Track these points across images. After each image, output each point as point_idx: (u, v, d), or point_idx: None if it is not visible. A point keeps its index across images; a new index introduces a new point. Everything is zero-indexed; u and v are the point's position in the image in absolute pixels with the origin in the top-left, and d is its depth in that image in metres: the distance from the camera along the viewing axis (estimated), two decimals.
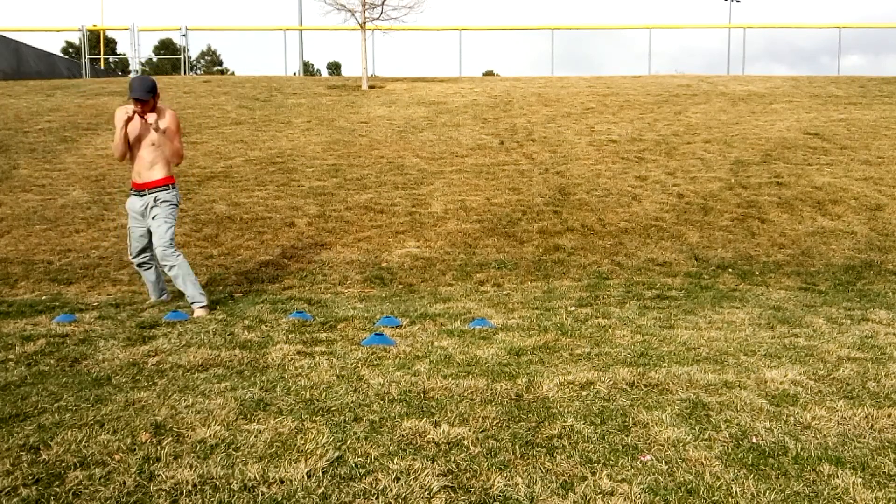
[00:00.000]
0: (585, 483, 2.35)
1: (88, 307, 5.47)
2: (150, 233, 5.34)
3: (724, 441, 2.71)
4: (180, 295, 5.50)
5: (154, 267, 5.53)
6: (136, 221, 5.37)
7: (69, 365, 3.81)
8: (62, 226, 7.76)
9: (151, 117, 5.13)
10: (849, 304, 5.61)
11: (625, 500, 2.24)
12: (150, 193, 5.24)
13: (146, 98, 5.09)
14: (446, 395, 3.23)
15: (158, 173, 5.25)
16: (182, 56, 24.01)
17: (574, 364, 3.78)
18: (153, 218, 5.26)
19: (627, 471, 2.45)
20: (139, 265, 5.50)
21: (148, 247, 5.41)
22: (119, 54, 37.77)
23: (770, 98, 14.63)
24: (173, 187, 5.35)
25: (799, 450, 2.62)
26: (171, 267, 5.22)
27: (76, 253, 7.07)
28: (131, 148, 5.28)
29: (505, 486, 2.33)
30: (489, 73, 39.70)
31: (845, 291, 6.26)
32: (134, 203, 5.34)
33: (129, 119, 5.14)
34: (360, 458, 2.51)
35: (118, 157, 5.35)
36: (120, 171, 9.66)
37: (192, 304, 5.23)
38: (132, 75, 23.21)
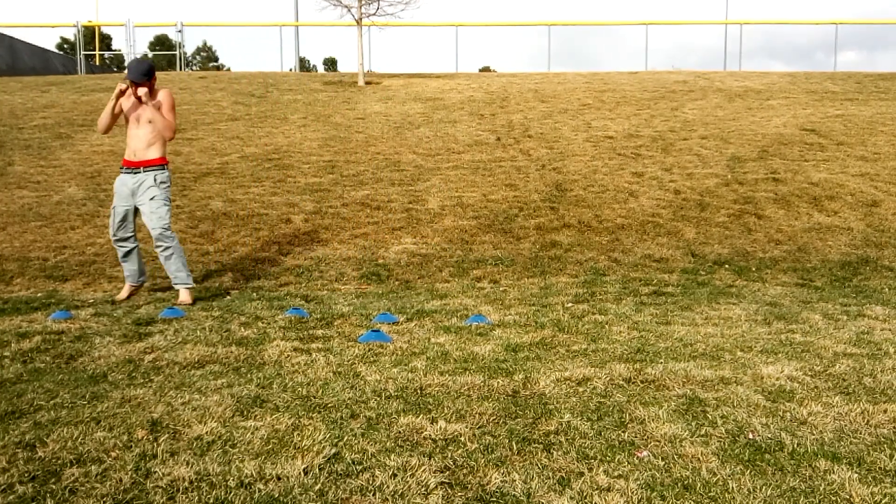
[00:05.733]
0: (582, 479, 2.36)
1: (84, 304, 5.45)
2: (135, 213, 5.34)
3: (720, 437, 2.72)
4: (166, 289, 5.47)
5: (135, 249, 5.50)
6: (123, 199, 5.35)
7: (65, 362, 3.80)
8: (57, 222, 7.74)
9: (142, 91, 5.18)
10: (845, 300, 5.62)
11: (621, 495, 2.24)
12: (145, 172, 5.23)
13: (141, 80, 5.14)
14: (443, 391, 3.23)
15: (155, 152, 5.26)
16: (178, 52, 23.93)
17: (571, 360, 3.78)
18: (151, 199, 5.22)
19: (624, 467, 2.46)
20: (120, 244, 5.45)
21: (128, 224, 5.39)
22: (114, 50, 37.68)
23: (766, 94, 14.64)
24: (167, 169, 5.39)
25: (795, 445, 2.63)
26: (167, 248, 5.23)
27: (72, 250, 7.05)
28: (128, 125, 5.33)
29: (502, 482, 2.33)
30: (486, 69, 39.65)
31: (841, 287, 6.27)
32: (125, 181, 5.32)
33: (122, 91, 5.18)
34: (356, 455, 2.51)
35: (102, 128, 5.35)
36: (115, 167, 9.62)
37: (178, 285, 5.27)
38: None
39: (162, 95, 5.33)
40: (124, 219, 5.39)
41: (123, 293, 5.59)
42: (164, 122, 5.28)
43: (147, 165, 5.23)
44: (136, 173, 5.25)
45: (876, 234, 7.73)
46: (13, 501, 2.20)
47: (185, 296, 5.21)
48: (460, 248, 7.29)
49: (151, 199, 5.20)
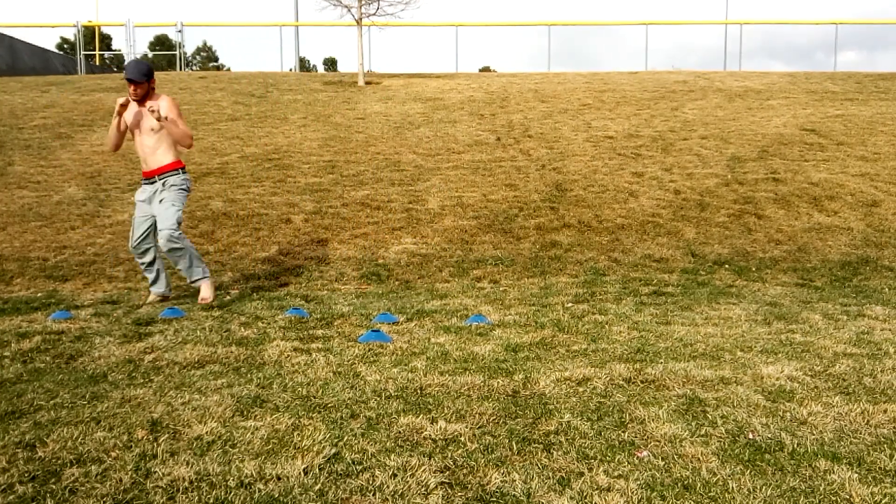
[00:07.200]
0: (582, 479, 2.36)
1: (84, 304, 5.45)
2: (153, 220, 5.17)
3: (720, 437, 2.72)
4: (188, 295, 5.45)
5: (155, 258, 5.35)
6: (141, 210, 5.25)
7: (65, 362, 3.80)
8: (57, 222, 7.74)
9: (151, 104, 5.02)
10: (845, 300, 5.62)
11: (621, 496, 2.24)
12: (159, 179, 5.10)
13: (140, 80, 4.98)
14: (443, 391, 3.23)
15: (165, 158, 5.11)
16: (178, 52, 23.93)
17: (571, 360, 3.78)
18: (160, 202, 5.07)
19: (624, 467, 2.46)
20: (140, 255, 5.32)
21: (150, 235, 5.24)
22: (114, 50, 37.70)
23: (767, 94, 14.63)
24: (183, 171, 5.22)
25: (795, 445, 2.63)
26: (176, 250, 5.03)
27: (72, 250, 7.05)
28: (133, 137, 5.19)
29: (502, 482, 2.33)
30: (486, 69, 39.65)
31: (841, 287, 6.27)
32: (144, 191, 5.22)
33: (124, 105, 5.01)
34: (356, 455, 2.51)
35: (110, 147, 5.23)
36: (115, 167, 9.64)
37: (194, 281, 5.08)
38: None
39: (165, 103, 5.10)
40: (143, 230, 5.25)
41: (151, 299, 5.44)
42: (179, 132, 5.07)
43: (161, 172, 5.10)
44: (152, 182, 5.14)
45: (876, 234, 7.73)
46: (13, 501, 2.20)
47: (205, 291, 4.97)
48: (460, 248, 7.29)
49: (161, 202, 5.08)
